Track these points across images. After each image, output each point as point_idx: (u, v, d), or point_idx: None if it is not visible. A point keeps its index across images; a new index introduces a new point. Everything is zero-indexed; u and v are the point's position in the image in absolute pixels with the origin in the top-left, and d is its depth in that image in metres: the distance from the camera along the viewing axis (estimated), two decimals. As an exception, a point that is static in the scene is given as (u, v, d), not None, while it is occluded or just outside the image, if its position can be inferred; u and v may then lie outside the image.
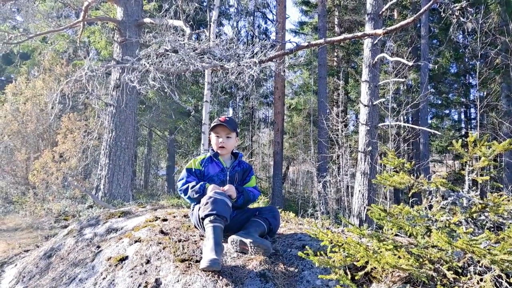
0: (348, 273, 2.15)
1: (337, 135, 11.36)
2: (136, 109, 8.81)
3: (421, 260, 2.12)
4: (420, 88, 14.18)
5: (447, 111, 20.99)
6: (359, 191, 9.02)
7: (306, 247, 2.24)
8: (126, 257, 2.66)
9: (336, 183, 10.82)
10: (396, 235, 2.74)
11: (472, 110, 21.04)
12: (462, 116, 22.48)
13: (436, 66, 16.32)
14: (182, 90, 14.21)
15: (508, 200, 2.13)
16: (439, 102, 19.81)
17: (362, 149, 9.07)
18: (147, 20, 8.11)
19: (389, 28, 4.32)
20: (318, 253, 2.17)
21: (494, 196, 2.23)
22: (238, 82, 4.17)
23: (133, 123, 8.57)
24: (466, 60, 18.20)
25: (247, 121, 21.99)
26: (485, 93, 16.11)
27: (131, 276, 2.42)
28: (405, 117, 17.20)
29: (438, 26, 17.11)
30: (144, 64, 3.87)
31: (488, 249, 1.80)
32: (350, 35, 4.67)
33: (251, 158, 21.08)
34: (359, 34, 4.81)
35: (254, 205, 3.86)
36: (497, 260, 1.77)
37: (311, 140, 15.70)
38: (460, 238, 1.85)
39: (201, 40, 5.90)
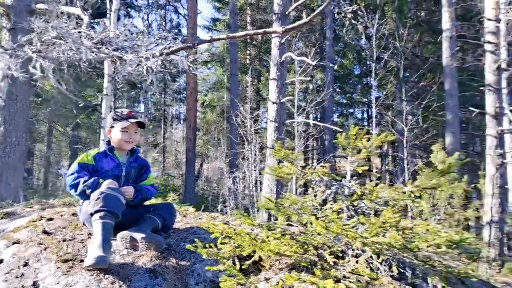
0: (237, 263, 2.18)
1: (246, 131, 11.56)
2: (29, 102, 8.07)
3: (306, 246, 2.23)
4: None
5: (351, 110, 22.46)
6: (268, 185, 9.28)
7: (196, 239, 2.23)
8: (1, 261, 2.42)
9: (245, 178, 11.02)
10: (290, 225, 2.85)
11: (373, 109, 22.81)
12: (365, 115, 24.25)
13: (336, 66, 17.37)
14: (85, 83, 13.35)
15: (381, 188, 2.33)
16: (344, 101, 21.15)
17: (270, 145, 9.32)
18: (40, 6, 7.44)
19: (288, 27, 4.50)
20: (207, 245, 2.17)
21: (371, 184, 2.42)
22: (136, 75, 4.01)
23: (25, 117, 7.84)
24: (368, 62, 19.66)
25: (159, 117, 21.40)
26: (383, 93, 17.53)
27: (6, 281, 2.21)
28: (314, 115, 18.08)
29: (342, 29, 18.24)
30: (26, 51, 3.53)
31: (360, 233, 1.95)
32: (252, 32, 4.79)
33: (164, 155, 20.59)
34: (260, 31, 4.96)
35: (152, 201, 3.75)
36: (367, 242, 1.93)
37: (222, 137, 15.80)
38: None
39: (102, 30, 5.56)
